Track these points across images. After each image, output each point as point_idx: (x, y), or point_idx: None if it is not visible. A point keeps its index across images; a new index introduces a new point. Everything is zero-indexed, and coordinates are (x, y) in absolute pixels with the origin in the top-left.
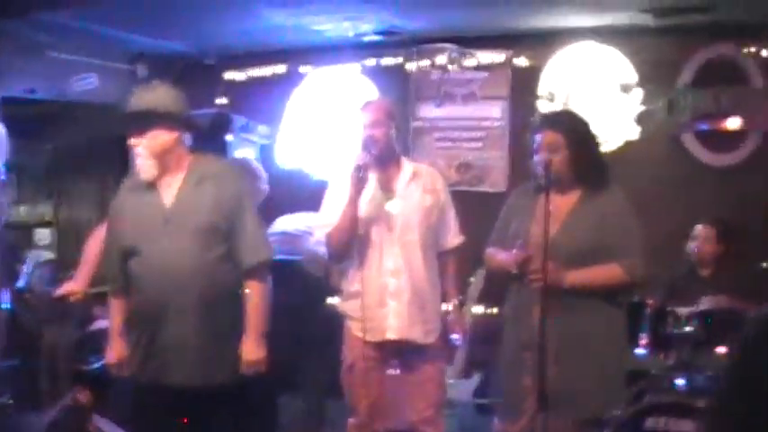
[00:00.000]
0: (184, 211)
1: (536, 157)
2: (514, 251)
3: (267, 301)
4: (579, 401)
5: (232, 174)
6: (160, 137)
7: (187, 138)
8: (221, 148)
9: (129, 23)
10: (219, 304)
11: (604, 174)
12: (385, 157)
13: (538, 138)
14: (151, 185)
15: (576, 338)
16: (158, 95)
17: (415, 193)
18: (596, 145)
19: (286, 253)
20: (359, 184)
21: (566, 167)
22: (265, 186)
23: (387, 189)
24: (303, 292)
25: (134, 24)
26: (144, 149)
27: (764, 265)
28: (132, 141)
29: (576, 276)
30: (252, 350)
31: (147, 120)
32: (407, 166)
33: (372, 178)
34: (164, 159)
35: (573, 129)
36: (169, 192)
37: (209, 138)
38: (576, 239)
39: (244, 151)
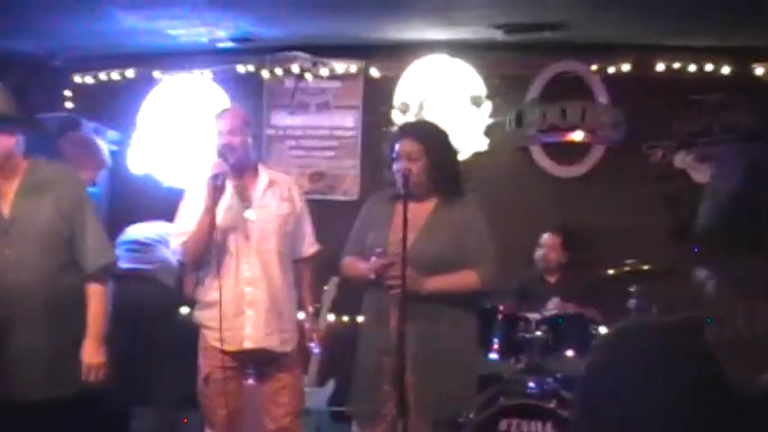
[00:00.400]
0: (24, 219)
1: (395, 166)
2: (373, 259)
3: (107, 305)
4: (435, 405)
5: (70, 178)
6: (1, 142)
7: (21, 142)
8: None
9: None
10: (66, 313)
11: (460, 183)
12: (242, 165)
13: (397, 146)
14: None
15: (431, 343)
16: None
17: (272, 201)
18: (454, 155)
19: (137, 262)
20: (216, 192)
21: (423, 176)
22: (107, 159)
23: (244, 197)
24: (154, 301)
25: None
26: None
27: (610, 272)
28: None
29: (435, 283)
30: (92, 353)
31: None
32: (264, 175)
33: (229, 186)
34: (4, 165)
35: (432, 138)
36: (5, 200)
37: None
38: (434, 247)
39: None
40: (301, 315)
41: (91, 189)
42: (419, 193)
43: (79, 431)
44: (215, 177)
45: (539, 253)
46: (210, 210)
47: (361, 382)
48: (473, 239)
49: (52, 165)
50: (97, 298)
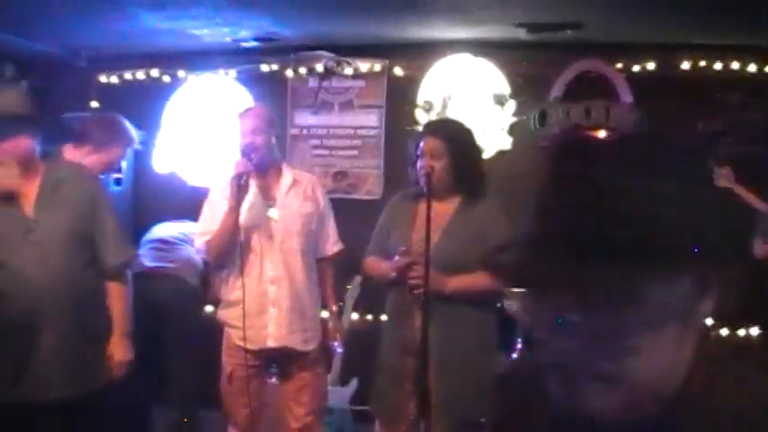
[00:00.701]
0: (46, 219)
1: (419, 164)
2: (396, 258)
3: (129, 302)
4: (458, 405)
5: (86, 178)
6: (24, 142)
7: (38, 143)
8: None
9: None
10: (89, 311)
11: (483, 182)
12: (265, 164)
13: (421, 144)
14: (7, 195)
15: (452, 343)
16: (14, 98)
17: (295, 200)
18: (478, 153)
19: (161, 260)
20: (239, 191)
21: (447, 174)
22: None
23: (267, 197)
24: (177, 300)
25: (1, 24)
26: (7, 157)
27: None
28: None
29: (458, 282)
30: (123, 352)
31: (7, 125)
32: (287, 174)
33: (252, 186)
34: (26, 166)
35: (456, 136)
36: (28, 201)
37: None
38: (457, 247)
39: None
40: (324, 314)
41: (115, 188)
42: (442, 192)
43: (101, 429)
44: (238, 177)
45: None
46: (234, 209)
47: (384, 382)
48: (496, 240)
49: (69, 165)
50: (119, 295)
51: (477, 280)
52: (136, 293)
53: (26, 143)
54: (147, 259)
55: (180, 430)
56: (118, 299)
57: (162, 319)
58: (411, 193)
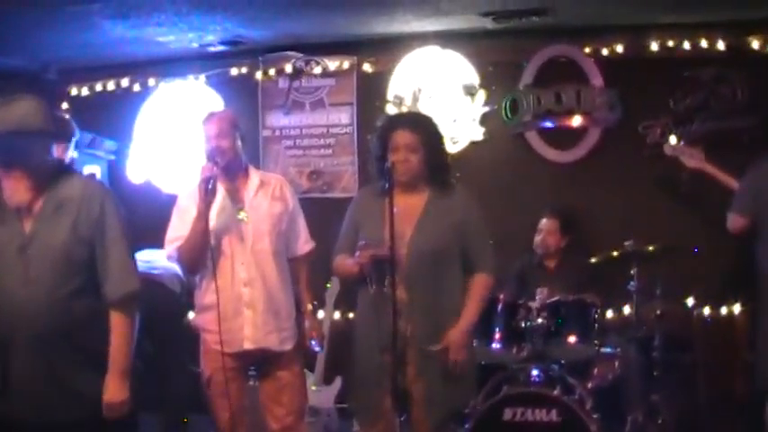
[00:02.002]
0: (41, 239)
1: (393, 157)
2: (357, 253)
3: (131, 337)
4: (441, 398)
5: (94, 197)
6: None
7: None
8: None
9: None
10: (81, 337)
11: (450, 174)
12: (232, 167)
13: (395, 138)
14: (7, 210)
15: (430, 336)
16: (32, 110)
17: (264, 201)
18: (445, 146)
19: (146, 269)
20: (207, 196)
21: (421, 167)
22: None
23: (236, 200)
24: (163, 305)
25: None
26: (26, 173)
27: (593, 260)
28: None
29: (469, 320)
30: (115, 391)
31: (31, 140)
32: (254, 176)
33: (221, 189)
34: (40, 181)
35: (428, 129)
36: (27, 217)
37: None
38: (433, 239)
39: (90, 168)
40: (302, 313)
41: None
42: (413, 185)
43: None
44: (205, 181)
45: (537, 238)
46: (203, 214)
47: (360, 380)
48: (474, 235)
49: (83, 183)
50: (120, 328)
51: (479, 297)
52: None
53: (43, 156)
54: None
55: None
56: (117, 332)
57: (146, 326)
58: (378, 187)
